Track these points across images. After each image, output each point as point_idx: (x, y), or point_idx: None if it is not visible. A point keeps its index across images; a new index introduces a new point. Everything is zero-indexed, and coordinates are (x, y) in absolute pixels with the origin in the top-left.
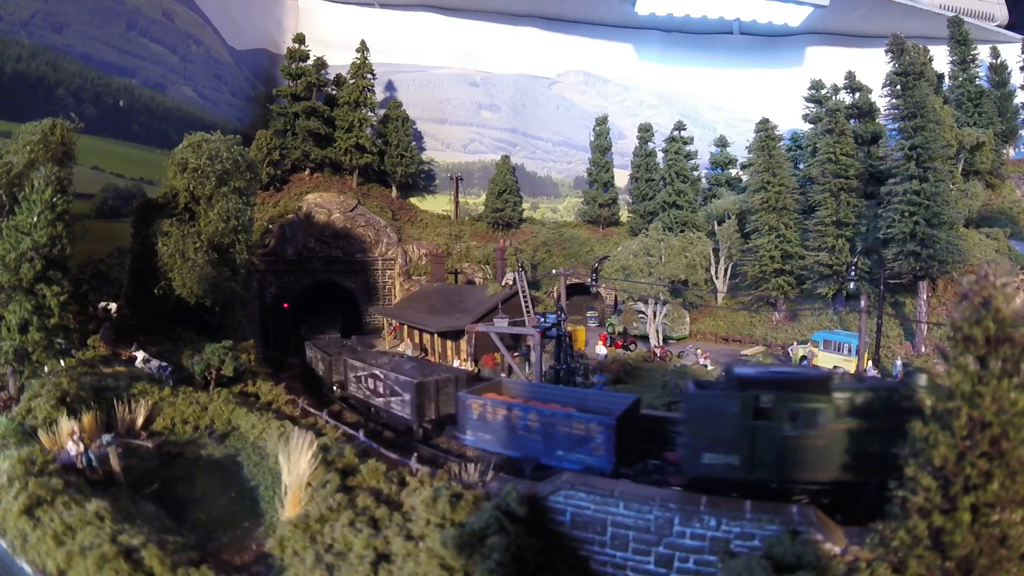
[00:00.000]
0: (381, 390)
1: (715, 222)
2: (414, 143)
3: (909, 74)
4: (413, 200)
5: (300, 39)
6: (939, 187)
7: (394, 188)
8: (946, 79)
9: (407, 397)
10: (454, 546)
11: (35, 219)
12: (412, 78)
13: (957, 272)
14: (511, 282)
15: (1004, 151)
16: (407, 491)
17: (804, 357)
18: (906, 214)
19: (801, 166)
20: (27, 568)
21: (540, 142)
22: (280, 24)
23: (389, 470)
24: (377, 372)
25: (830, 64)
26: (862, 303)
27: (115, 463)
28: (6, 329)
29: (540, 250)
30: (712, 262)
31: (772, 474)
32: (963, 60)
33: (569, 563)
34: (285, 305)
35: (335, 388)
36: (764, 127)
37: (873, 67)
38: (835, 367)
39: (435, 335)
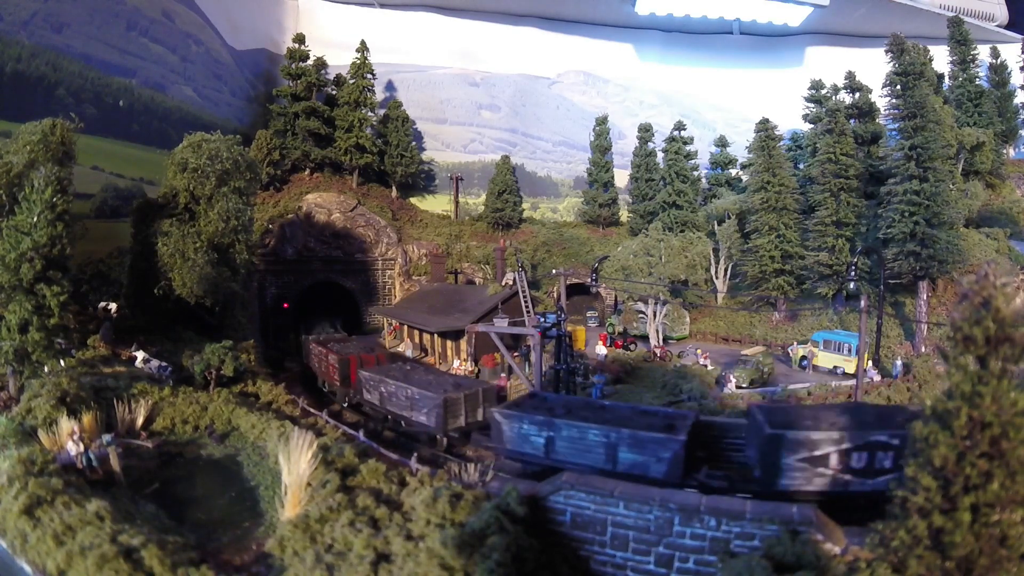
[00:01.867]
0: (324, 363)
1: (715, 222)
2: (414, 143)
3: (909, 74)
4: (413, 200)
5: (300, 39)
6: (939, 187)
7: (394, 188)
8: (946, 79)
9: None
10: (454, 546)
11: (35, 219)
12: (412, 78)
13: (957, 272)
14: (511, 282)
15: (1004, 151)
16: (407, 491)
17: (804, 357)
18: (906, 214)
19: (801, 166)
20: (27, 568)
21: (540, 142)
22: (280, 24)
23: (389, 470)
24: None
25: (830, 64)
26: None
27: (115, 463)
28: (6, 329)
29: (540, 250)
30: (712, 262)
31: None
32: (963, 60)
33: (569, 563)
34: (285, 305)
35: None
36: (764, 127)
37: (873, 67)
38: (835, 367)
39: (435, 335)
